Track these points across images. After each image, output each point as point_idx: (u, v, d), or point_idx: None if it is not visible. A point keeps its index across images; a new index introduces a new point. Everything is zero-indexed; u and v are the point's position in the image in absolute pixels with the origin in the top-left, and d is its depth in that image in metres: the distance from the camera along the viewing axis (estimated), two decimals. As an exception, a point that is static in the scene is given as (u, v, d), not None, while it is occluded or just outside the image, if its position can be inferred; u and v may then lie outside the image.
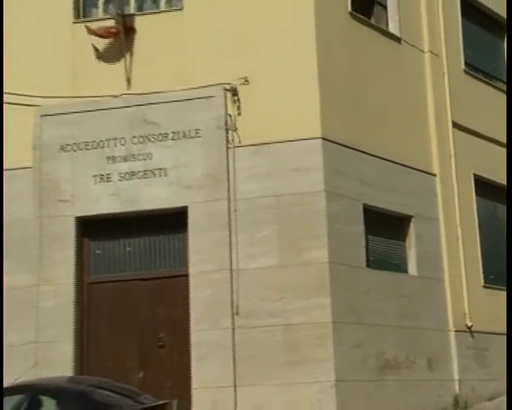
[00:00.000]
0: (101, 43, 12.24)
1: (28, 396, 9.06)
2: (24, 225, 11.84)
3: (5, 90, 12.06)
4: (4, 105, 12.04)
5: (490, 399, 13.28)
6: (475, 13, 16.23)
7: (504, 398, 12.95)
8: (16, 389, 9.46)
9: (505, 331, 14.18)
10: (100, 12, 12.82)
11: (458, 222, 13.85)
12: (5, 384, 9.94)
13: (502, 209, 15.99)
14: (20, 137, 11.98)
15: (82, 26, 12.35)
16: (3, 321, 11.45)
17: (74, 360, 11.43)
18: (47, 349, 11.34)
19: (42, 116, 12.07)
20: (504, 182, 15.80)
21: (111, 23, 12.12)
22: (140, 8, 12.68)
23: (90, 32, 11.99)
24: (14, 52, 12.41)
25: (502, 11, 16.86)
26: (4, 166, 11.95)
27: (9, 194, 11.91)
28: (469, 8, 15.91)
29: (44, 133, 12.04)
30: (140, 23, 12.19)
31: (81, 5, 12.77)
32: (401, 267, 12.84)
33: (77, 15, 12.61)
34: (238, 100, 11.72)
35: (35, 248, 11.75)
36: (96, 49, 12.18)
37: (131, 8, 12.55)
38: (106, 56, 12.22)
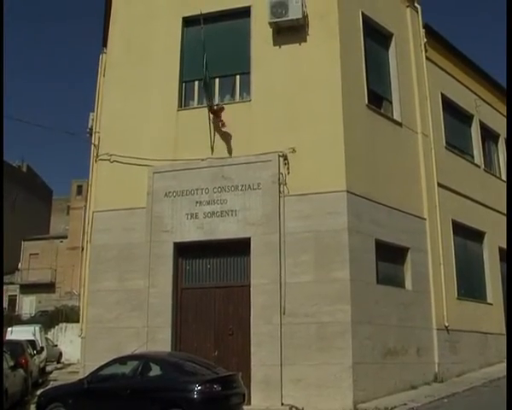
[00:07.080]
0: (196, 124, 12.44)
1: (142, 362, 9.60)
2: (139, 247, 12.09)
3: (129, 155, 12.37)
4: (128, 165, 12.35)
5: (457, 376, 13.19)
6: (451, 108, 16.21)
7: (467, 375, 13.23)
8: (134, 357, 9.98)
9: (471, 330, 14.22)
10: (195, 103, 12.96)
11: (441, 253, 13.76)
12: (126, 353, 10.26)
13: (471, 244, 15.93)
14: (139, 187, 12.27)
15: (183, 112, 12.74)
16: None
17: (171, 340, 11.58)
18: (154, 332, 11.56)
19: (154, 173, 12.34)
20: (473, 225, 15.72)
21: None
22: (222, 100, 12.79)
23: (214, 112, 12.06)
24: (140, 129, 12.74)
25: (469, 107, 16.96)
26: (126, 206, 12.23)
27: (131, 225, 12.23)
28: (447, 104, 15.89)
29: (155, 184, 12.28)
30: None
31: (183, 99, 13.00)
32: (400, 284, 12.73)
33: (180, 105, 12.88)
34: (288, 163, 11.71)
35: (147, 263, 11.96)
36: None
37: (216, 100, 12.61)
38: (196, 133, 12.35)
